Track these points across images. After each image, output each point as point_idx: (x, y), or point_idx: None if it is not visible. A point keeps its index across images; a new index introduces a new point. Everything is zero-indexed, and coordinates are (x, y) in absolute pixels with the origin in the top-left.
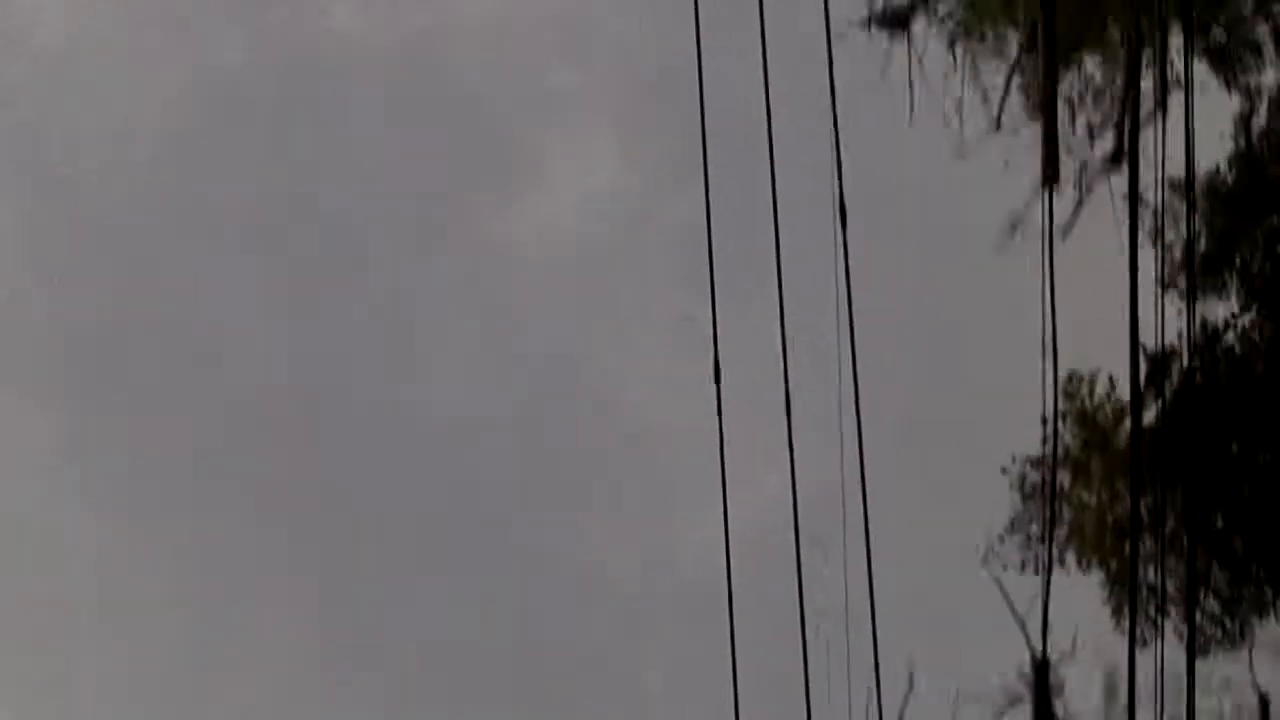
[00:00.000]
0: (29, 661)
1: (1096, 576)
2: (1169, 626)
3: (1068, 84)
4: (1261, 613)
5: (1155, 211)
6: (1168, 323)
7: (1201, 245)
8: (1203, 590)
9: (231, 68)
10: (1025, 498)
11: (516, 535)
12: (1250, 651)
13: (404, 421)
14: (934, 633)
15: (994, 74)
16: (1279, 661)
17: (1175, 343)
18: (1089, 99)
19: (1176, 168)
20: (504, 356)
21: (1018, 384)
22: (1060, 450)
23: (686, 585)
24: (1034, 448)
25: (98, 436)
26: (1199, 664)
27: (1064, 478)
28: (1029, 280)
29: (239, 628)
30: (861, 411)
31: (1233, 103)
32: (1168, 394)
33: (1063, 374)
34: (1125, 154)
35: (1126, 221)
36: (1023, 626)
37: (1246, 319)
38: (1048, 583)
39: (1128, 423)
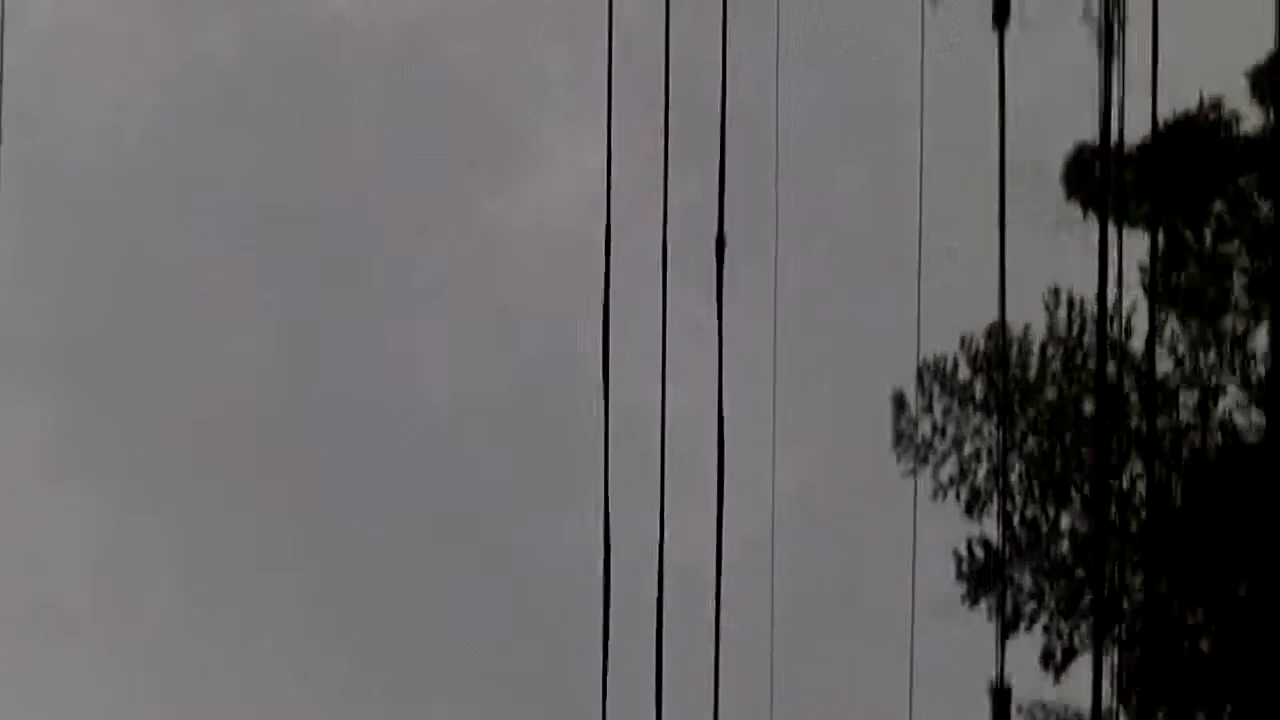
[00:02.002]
0: (23, 647)
1: None
2: None
3: None
4: None
5: None
6: None
7: None
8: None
9: (226, 53)
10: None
11: (511, 523)
12: None
13: (400, 407)
14: None
15: None
16: None
17: None
18: None
19: None
20: (500, 342)
21: None
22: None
23: (682, 575)
24: None
25: (92, 421)
26: None
27: None
28: None
29: (232, 613)
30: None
31: None
32: None
33: None
34: None
35: None
36: None
37: None
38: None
39: None
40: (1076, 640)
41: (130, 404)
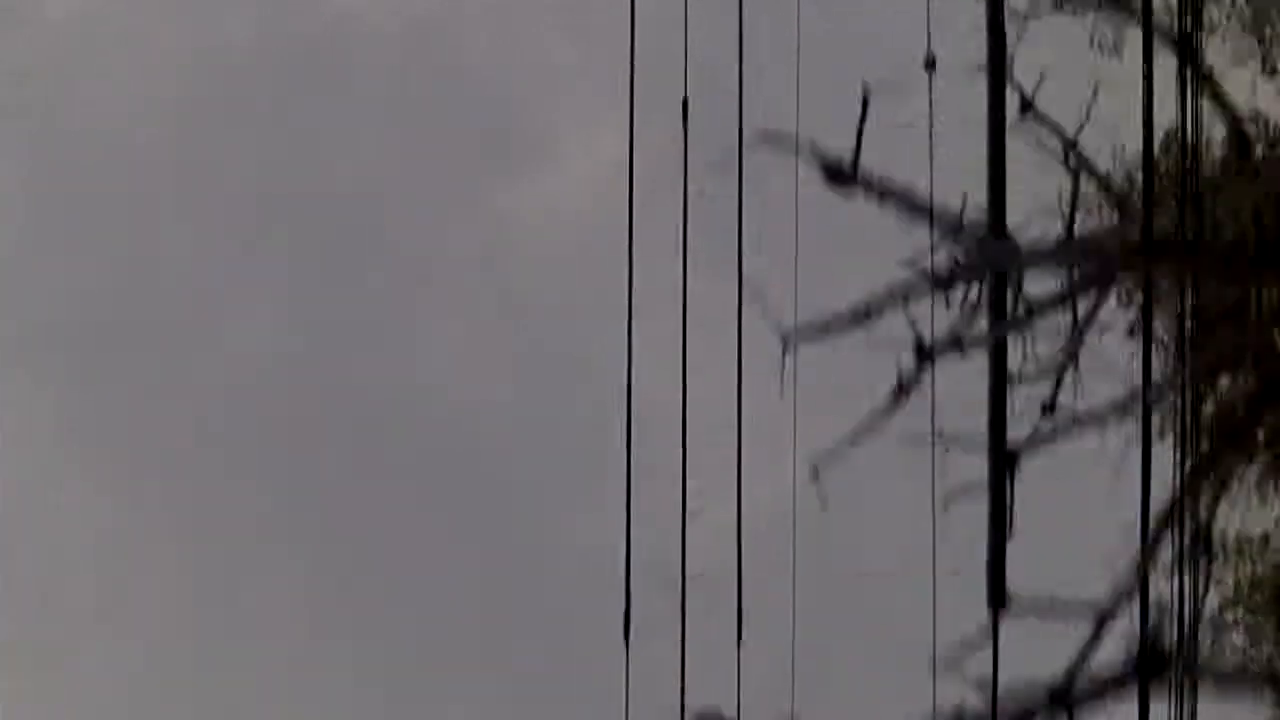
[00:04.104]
0: (26, 637)
1: None
2: None
3: None
4: None
5: None
6: None
7: None
8: None
9: (238, 45)
10: None
11: (521, 520)
12: None
13: (407, 401)
14: None
15: None
16: None
17: None
18: None
19: None
20: (510, 335)
21: None
22: None
23: (694, 571)
24: None
25: (98, 412)
26: None
27: None
28: None
29: (238, 605)
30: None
31: None
32: None
33: None
34: None
35: None
36: None
37: None
38: None
39: None
40: None
41: (137, 391)
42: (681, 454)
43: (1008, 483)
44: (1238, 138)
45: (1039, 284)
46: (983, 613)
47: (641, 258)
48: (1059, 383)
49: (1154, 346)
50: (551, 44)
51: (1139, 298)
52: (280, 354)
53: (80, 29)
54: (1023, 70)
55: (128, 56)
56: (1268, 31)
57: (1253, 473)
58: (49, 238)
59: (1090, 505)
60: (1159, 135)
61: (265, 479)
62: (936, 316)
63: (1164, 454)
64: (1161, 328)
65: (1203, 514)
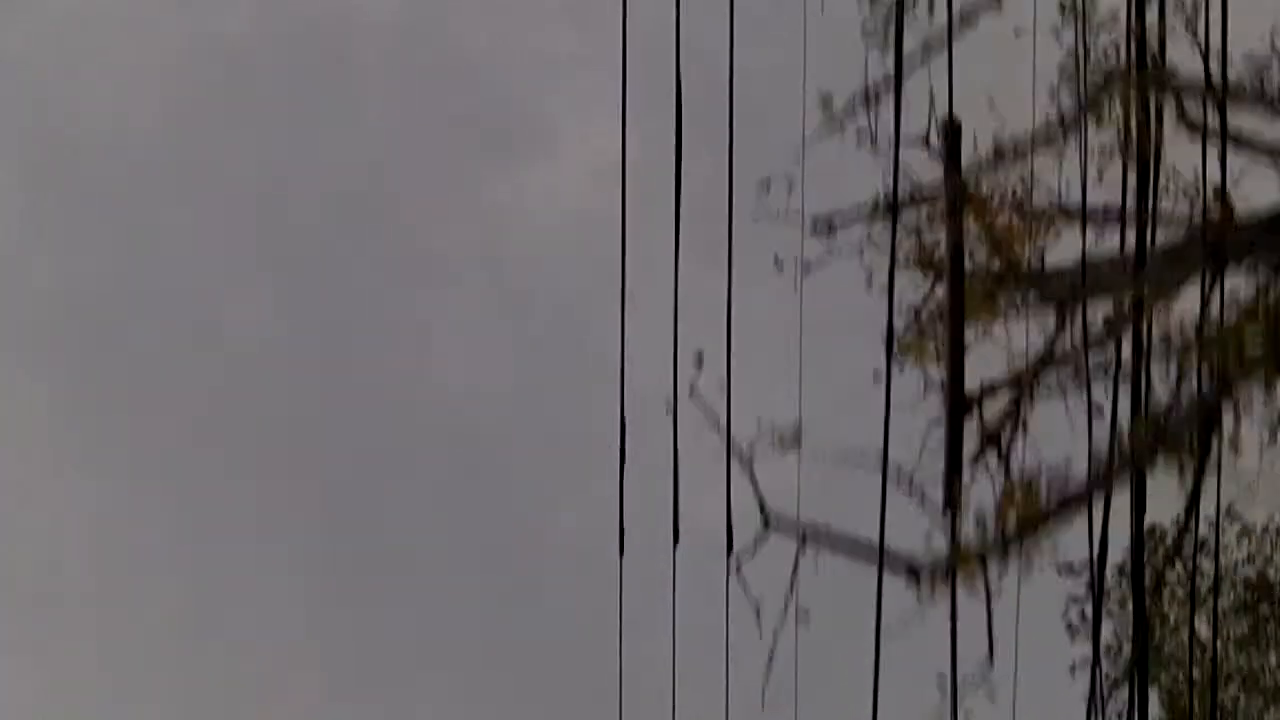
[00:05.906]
0: (25, 628)
1: None
2: None
3: None
4: None
5: None
6: None
7: None
8: None
9: (235, 34)
10: None
11: (519, 506)
12: None
13: (407, 390)
14: None
15: None
16: None
17: None
18: None
19: None
20: (508, 325)
21: None
22: None
23: (689, 556)
24: None
25: (96, 403)
26: None
27: None
28: None
29: (235, 602)
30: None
31: None
32: None
33: None
34: None
35: None
36: None
37: None
38: None
39: None
40: None
41: (135, 382)
42: (673, 446)
43: None
44: None
45: None
46: None
47: (639, 242)
48: None
49: None
50: (551, 36)
51: None
52: (278, 346)
53: (79, 20)
54: None
55: (127, 47)
56: None
57: None
58: (47, 230)
59: None
60: None
61: (263, 472)
62: None
63: None
64: None
65: None
